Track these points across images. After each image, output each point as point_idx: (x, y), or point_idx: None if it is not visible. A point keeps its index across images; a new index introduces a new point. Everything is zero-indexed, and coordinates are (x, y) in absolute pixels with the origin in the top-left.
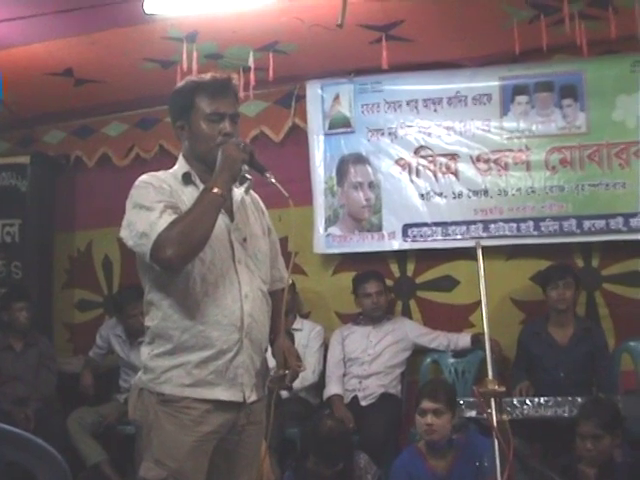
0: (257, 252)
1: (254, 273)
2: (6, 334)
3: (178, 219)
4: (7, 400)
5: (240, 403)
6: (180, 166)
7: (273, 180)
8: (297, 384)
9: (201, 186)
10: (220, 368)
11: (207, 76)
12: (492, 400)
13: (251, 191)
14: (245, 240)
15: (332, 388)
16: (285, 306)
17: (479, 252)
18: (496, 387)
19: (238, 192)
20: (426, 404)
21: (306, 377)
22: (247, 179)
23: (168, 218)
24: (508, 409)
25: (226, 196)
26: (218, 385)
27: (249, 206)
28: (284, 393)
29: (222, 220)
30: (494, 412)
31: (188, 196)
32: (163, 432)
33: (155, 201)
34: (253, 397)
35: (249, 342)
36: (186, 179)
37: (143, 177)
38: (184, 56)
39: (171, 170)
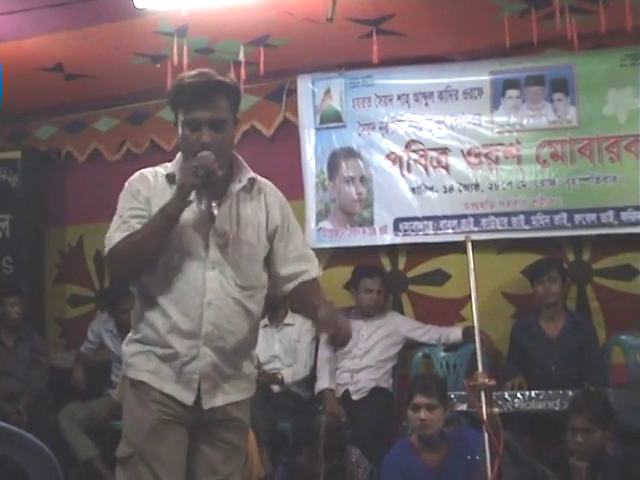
0: (239, 258)
1: (229, 280)
2: None
3: (129, 236)
4: None
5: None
6: (172, 163)
7: (215, 212)
8: (289, 378)
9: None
10: (177, 368)
11: (189, 77)
12: (482, 393)
13: (263, 187)
14: (227, 245)
15: (323, 382)
16: (323, 296)
17: (469, 246)
18: (486, 381)
19: (234, 191)
20: (419, 399)
21: (297, 371)
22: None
23: (124, 232)
24: (499, 402)
25: (176, 219)
26: (176, 382)
27: (247, 206)
28: (275, 388)
29: (202, 225)
30: (484, 405)
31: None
32: (131, 412)
33: (125, 208)
34: (215, 403)
35: (210, 350)
36: (170, 179)
37: (132, 177)
38: (174, 50)
39: (169, 164)
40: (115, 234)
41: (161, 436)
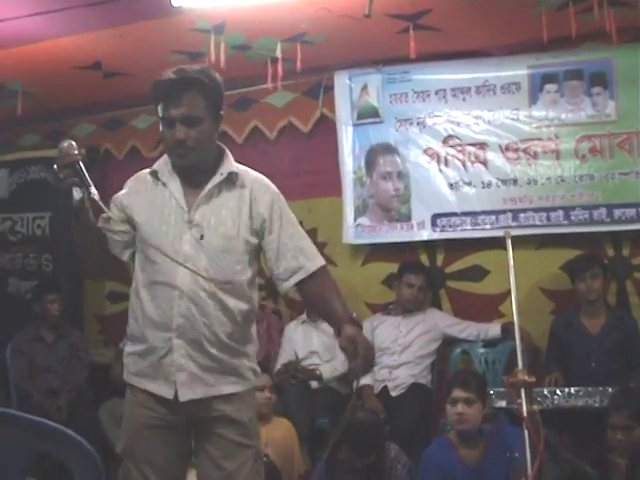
0: (212, 250)
1: (201, 272)
2: (38, 326)
3: None
4: (39, 392)
5: (172, 400)
6: (158, 162)
7: (96, 197)
8: (327, 374)
9: (164, 182)
10: (154, 363)
11: (165, 76)
12: (522, 390)
13: (250, 182)
14: (202, 237)
15: (362, 378)
16: (330, 291)
17: (508, 242)
18: (526, 377)
19: (211, 185)
20: (457, 393)
21: (336, 367)
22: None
23: None
24: (538, 399)
25: (77, 213)
26: (156, 379)
27: (229, 199)
28: (314, 384)
29: (180, 217)
30: (524, 402)
31: (157, 193)
32: (125, 412)
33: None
34: (194, 395)
35: (184, 342)
36: (154, 175)
37: None
38: (212, 48)
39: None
40: None
41: (146, 439)
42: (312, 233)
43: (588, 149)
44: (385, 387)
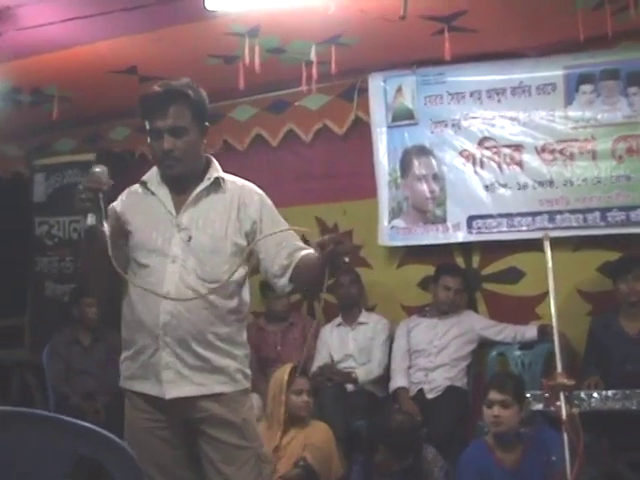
0: (202, 252)
1: (190, 273)
2: (75, 329)
3: None
4: (76, 394)
5: (162, 400)
6: (148, 173)
7: (107, 232)
8: (363, 377)
9: (153, 191)
10: (144, 364)
11: (152, 89)
12: (561, 393)
13: (238, 187)
14: (190, 239)
15: (398, 381)
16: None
17: (547, 244)
18: (565, 380)
19: (198, 190)
20: (493, 395)
21: (372, 370)
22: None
23: None
24: (576, 402)
25: (89, 237)
26: (147, 379)
27: (216, 203)
28: (350, 386)
29: (168, 222)
30: (564, 405)
31: (147, 202)
32: (125, 418)
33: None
34: (180, 393)
35: (171, 340)
36: (143, 185)
37: None
38: (246, 51)
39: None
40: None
41: (147, 442)
42: (347, 235)
43: (625, 150)
44: (421, 390)
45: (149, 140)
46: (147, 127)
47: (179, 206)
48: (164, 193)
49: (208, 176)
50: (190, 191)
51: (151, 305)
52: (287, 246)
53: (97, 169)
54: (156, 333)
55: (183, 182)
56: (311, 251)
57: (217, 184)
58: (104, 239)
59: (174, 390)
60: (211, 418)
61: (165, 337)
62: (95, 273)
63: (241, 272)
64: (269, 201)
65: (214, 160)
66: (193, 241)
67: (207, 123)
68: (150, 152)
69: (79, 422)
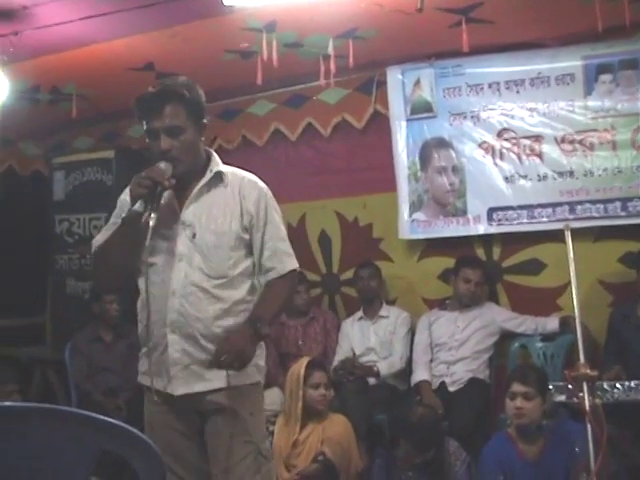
0: (206, 248)
1: (195, 270)
2: (96, 326)
3: (98, 240)
4: (98, 391)
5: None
6: None
7: (151, 223)
8: (385, 371)
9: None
10: (157, 360)
11: (146, 90)
12: (584, 384)
13: (239, 180)
14: (194, 236)
15: (420, 374)
16: (278, 297)
17: (568, 235)
18: (588, 371)
19: (199, 185)
20: (516, 387)
21: (393, 363)
22: (138, 213)
23: (102, 236)
24: (598, 393)
25: (129, 224)
26: (159, 376)
27: (219, 198)
28: (372, 380)
29: (173, 219)
30: (586, 396)
31: None
32: (144, 411)
33: (112, 216)
34: (189, 389)
35: (179, 337)
36: None
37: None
38: (264, 46)
39: None
40: (96, 238)
41: (164, 434)
42: (367, 229)
43: None
44: (443, 382)
45: (147, 140)
46: (144, 128)
47: (182, 202)
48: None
49: (209, 171)
50: (192, 187)
51: (160, 303)
52: (270, 248)
53: (162, 165)
54: (164, 331)
55: (184, 179)
56: (285, 270)
57: (218, 178)
58: (140, 231)
59: (183, 387)
60: (219, 410)
61: (173, 334)
62: (113, 261)
63: (246, 263)
64: (269, 197)
65: (214, 154)
66: (197, 238)
67: (205, 120)
68: (150, 151)
69: (104, 418)
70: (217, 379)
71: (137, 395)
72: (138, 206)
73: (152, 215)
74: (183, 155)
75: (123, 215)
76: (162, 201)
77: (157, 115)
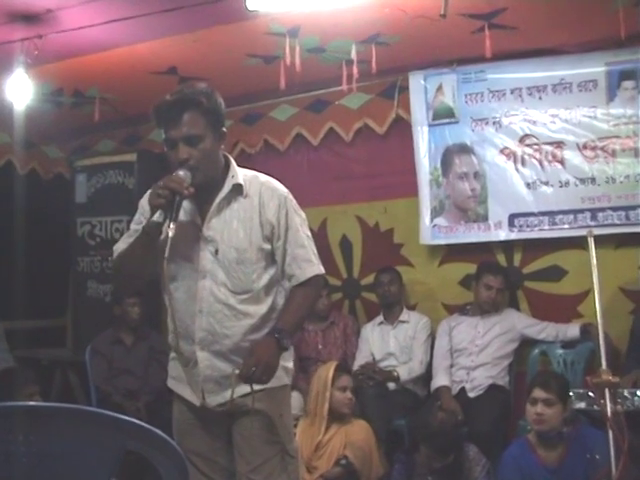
0: (229, 264)
1: (219, 287)
2: (117, 329)
3: (123, 249)
4: (118, 393)
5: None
6: None
7: (170, 234)
8: (405, 376)
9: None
10: (187, 372)
11: (165, 98)
12: (606, 391)
13: (257, 187)
14: (217, 252)
15: (439, 379)
16: (300, 306)
17: (591, 241)
18: (610, 378)
19: (219, 198)
20: (537, 393)
21: (413, 368)
22: (158, 223)
23: (123, 243)
24: (619, 400)
25: (150, 234)
26: (189, 385)
27: (238, 210)
28: (391, 385)
29: (194, 234)
30: (608, 403)
31: None
32: (173, 410)
33: (132, 223)
34: (219, 400)
35: (208, 354)
36: None
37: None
38: (287, 51)
39: None
40: (117, 244)
41: (191, 434)
42: (388, 234)
43: None
44: (463, 388)
45: (165, 149)
46: (163, 136)
47: (204, 215)
48: (188, 203)
49: (228, 181)
50: (212, 199)
51: (187, 321)
52: (290, 255)
53: (181, 172)
54: (194, 348)
55: (203, 189)
56: (305, 276)
57: (237, 189)
58: (155, 239)
59: (216, 398)
60: (248, 412)
61: (202, 352)
62: (134, 266)
63: (270, 273)
64: (289, 202)
65: (232, 161)
66: (220, 254)
67: (224, 129)
68: (168, 160)
69: (128, 418)
70: (246, 385)
71: (157, 398)
72: (157, 216)
73: (171, 225)
74: (202, 164)
75: (143, 222)
76: (184, 216)
77: (175, 124)
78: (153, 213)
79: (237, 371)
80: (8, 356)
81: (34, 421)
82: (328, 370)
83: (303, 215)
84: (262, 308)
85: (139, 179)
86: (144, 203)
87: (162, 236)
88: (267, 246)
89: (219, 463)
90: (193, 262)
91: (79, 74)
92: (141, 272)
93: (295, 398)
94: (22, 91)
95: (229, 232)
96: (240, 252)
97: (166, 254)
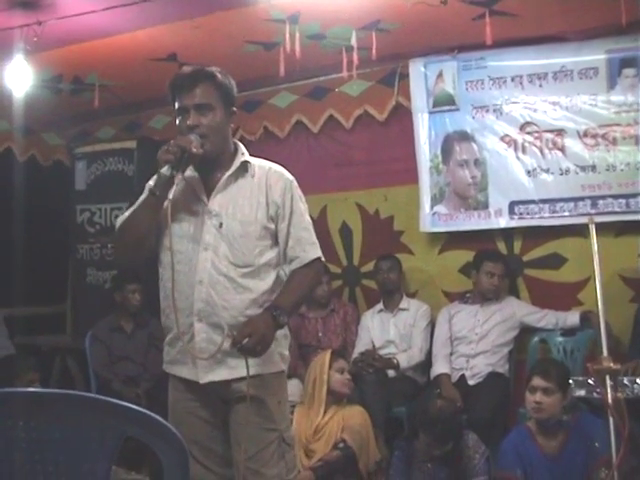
0: (232, 237)
1: (221, 259)
2: (117, 316)
3: (125, 216)
4: (118, 380)
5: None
6: None
7: (174, 187)
8: (404, 363)
9: (184, 177)
10: (183, 349)
11: (180, 71)
12: (607, 378)
13: (266, 170)
14: (221, 225)
15: (439, 367)
16: (300, 285)
17: (592, 228)
18: (611, 364)
19: (227, 175)
20: (536, 381)
21: (413, 356)
22: (166, 176)
23: (126, 213)
24: (619, 387)
25: (156, 193)
26: (185, 364)
27: (245, 188)
28: (391, 372)
29: (200, 208)
30: (609, 390)
31: (178, 188)
32: (169, 399)
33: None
34: (215, 377)
35: (205, 326)
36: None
37: None
38: (287, 38)
39: None
40: (120, 217)
41: (187, 421)
42: (388, 221)
43: None
44: (462, 376)
45: (177, 121)
46: (176, 107)
47: (209, 192)
48: (194, 179)
49: (237, 159)
50: (219, 177)
51: (186, 292)
52: (294, 237)
53: (192, 136)
54: (191, 320)
55: (212, 166)
56: (308, 258)
57: (245, 168)
58: (160, 200)
59: (209, 374)
60: (243, 398)
61: (200, 323)
62: (137, 236)
63: (272, 253)
64: (295, 187)
65: (241, 146)
66: (224, 227)
67: (234, 108)
68: (177, 130)
69: (128, 404)
70: (242, 367)
71: (156, 385)
72: (166, 170)
73: (179, 176)
74: (211, 133)
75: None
76: (189, 191)
77: (188, 92)
78: (160, 166)
79: (229, 333)
80: (8, 343)
81: (34, 407)
82: (324, 356)
83: (306, 205)
84: (262, 285)
85: (139, 166)
86: (151, 184)
87: (165, 204)
88: (271, 225)
89: (215, 451)
90: (196, 235)
91: (79, 61)
92: (143, 241)
93: (295, 385)
94: (21, 78)
95: (234, 207)
96: (244, 226)
97: (206, 215)
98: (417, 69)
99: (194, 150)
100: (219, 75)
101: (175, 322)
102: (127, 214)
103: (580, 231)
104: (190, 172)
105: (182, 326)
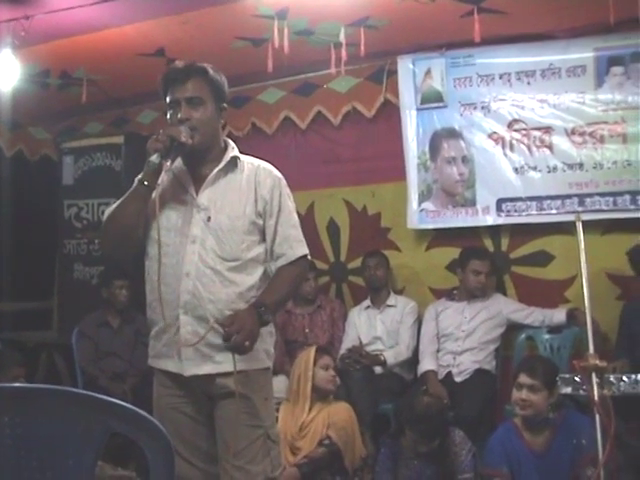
0: (220, 231)
1: (209, 252)
2: (104, 311)
3: (109, 209)
4: (105, 376)
5: (182, 376)
6: None
7: (164, 169)
8: (391, 360)
9: (173, 171)
10: (168, 342)
11: (173, 66)
12: (593, 375)
13: (255, 167)
14: (209, 219)
15: (426, 364)
16: (285, 283)
17: (579, 225)
18: (597, 362)
19: (216, 170)
20: (523, 379)
21: (400, 353)
22: (155, 164)
23: (113, 205)
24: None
25: (144, 182)
26: (170, 357)
27: (234, 183)
28: (378, 369)
29: (188, 202)
30: (595, 387)
31: (168, 182)
32: (153, 394)
33: None
34: (200, 371)
35: (191, 319)
36: None
37: None
38: (275, 33)
39: None
40: (107, 209)
41: (171, 417)
42: (376, 218)
43: None
44: (449, 373)
45: (168, 115)
46: (167, 100)
47: (198, 186)
48: (184, 174)
49: (227, 154)
50: (208, 171)
51: (173, 284)
52: (281, 234)
53: (182, 127)
54: (177, 312)
55: (201, 160)
56: (295, 255)
57: (234, 164)
58: (149, 191)
59: (193, 368)
60: (228, 394)
61: (185, 316)
62: (124, 227)
63: (259, 249)
64: (283, 185)
65: (232, 143)
66: (212, 221)
67: (225, 105)
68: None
69: (113, 400)
70: (227, 362)
71: (143, 381)
72: (155, 157)
73: (166, 164)
74: (201, 127)
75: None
76: (177, 185)
77: (180, 86)
78: (148, 154)
79: (213, 324)
80: None
81: (19, 403)
82: (309, 352)
83: (294, 203)
84: (249, 279)
85: (126, 161)
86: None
87: (153, 195)
88: (259, 221)
89: (200, 447)
90: (183, 228)
91: (66, 55)
92: (130, 233)
93: (281, 382)
94: (9, 72)
95: (222, 201)
96: (232, 220)
97: (194, 208)
98: (405, 66)
99: (183, 139)
100: (211, 71)
101: (161, 314)
102: (115, 205)
103: (567, 229)
104: (179, 165)
105: (168, 318)
